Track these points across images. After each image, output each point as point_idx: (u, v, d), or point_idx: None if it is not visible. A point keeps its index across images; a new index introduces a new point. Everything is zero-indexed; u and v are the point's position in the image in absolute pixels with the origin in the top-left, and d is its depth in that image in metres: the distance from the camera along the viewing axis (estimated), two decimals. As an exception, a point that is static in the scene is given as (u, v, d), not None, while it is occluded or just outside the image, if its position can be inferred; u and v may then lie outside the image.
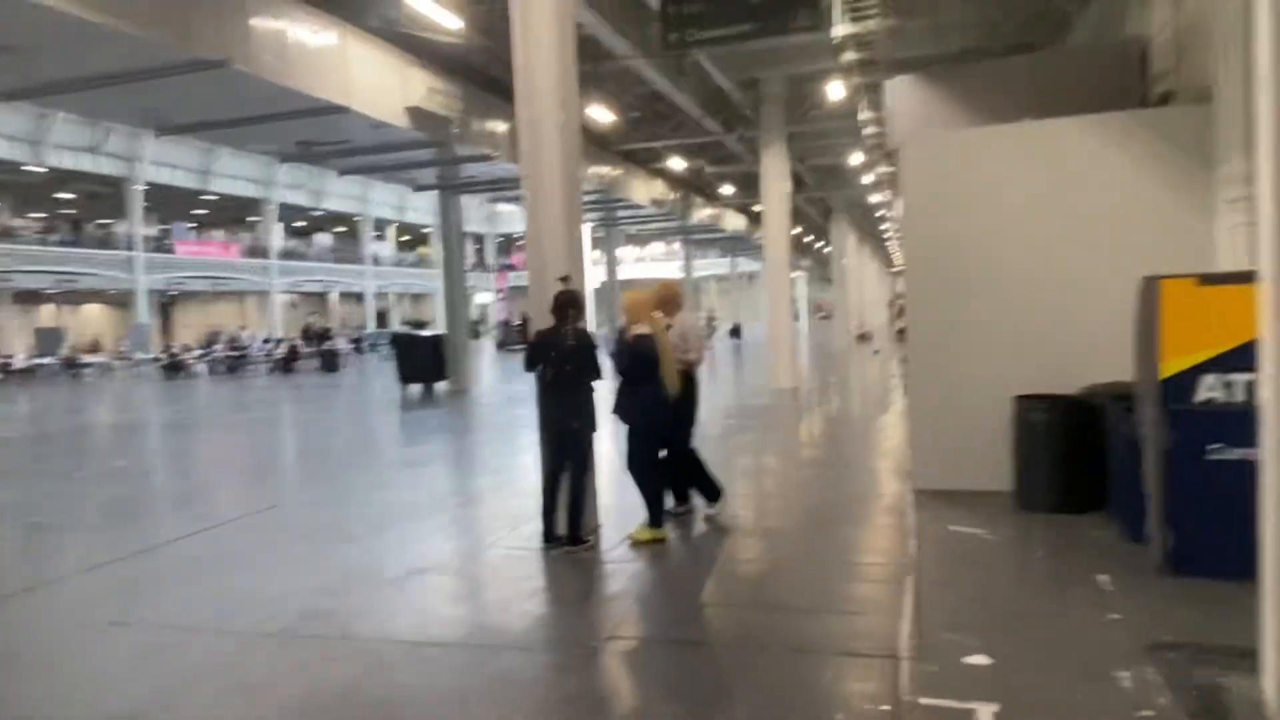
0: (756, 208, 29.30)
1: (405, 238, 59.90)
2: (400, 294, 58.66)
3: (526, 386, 6.23)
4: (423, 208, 51.35)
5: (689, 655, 4.14)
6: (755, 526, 6.36)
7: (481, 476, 9.03)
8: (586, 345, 5.63)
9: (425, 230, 55.39)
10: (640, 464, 5.83)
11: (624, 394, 5.75)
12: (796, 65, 14.52)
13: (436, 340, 20.11)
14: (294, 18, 10.05)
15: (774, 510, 6.97)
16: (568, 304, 5.65)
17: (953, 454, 6.50)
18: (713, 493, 6.48)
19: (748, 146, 19.04)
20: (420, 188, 21.57)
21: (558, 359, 5.60)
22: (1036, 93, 7.66)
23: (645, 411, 5.71)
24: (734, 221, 32.69)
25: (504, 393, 18.76)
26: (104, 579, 5.65)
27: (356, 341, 40.72)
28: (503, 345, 38.47)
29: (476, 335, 43.77)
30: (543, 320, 5.75)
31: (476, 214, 55.59)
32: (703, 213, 29.05)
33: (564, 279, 5.64)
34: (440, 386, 19.42)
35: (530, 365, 5.68)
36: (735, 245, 44.95)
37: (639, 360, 5.64)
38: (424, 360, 19.60)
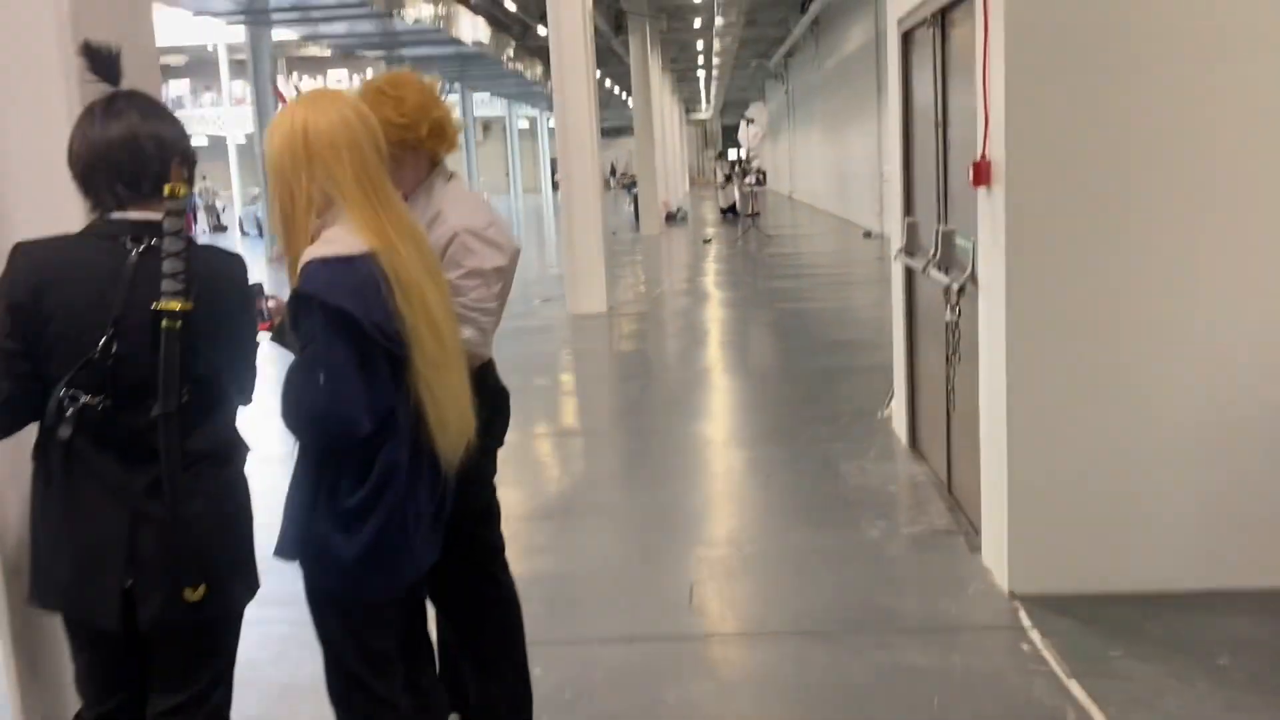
0: (509, 3, 24.38)
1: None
2: None
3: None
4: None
5: None
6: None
7: None
8: (230, 301, 2.25)
9: None
10: (351, 687, 2.41)
11: (304, 483, 2.26)
12: None
13: None
14: None
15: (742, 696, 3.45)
16: (145, 152, 2.14)
17: (1106, 527, 3.90)
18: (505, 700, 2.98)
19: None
20: None
21: (116, 368, 2.08)
22: None
23: (376, 541, 2.24)
24: (471, 28, 24.38)
25: None
26: None
27: None
28: None
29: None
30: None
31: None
32: (420, 9, 20.46)
33: (90, 53, 2.18)
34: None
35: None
36: (470, 70, 33.62)
37: (342, 370, 2.14)
38: None
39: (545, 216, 33.48)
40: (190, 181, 2.25)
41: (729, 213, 26.78)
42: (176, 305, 2.07)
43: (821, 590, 4.10)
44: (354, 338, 2.15)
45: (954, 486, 4.96)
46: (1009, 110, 3.73)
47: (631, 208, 27.48)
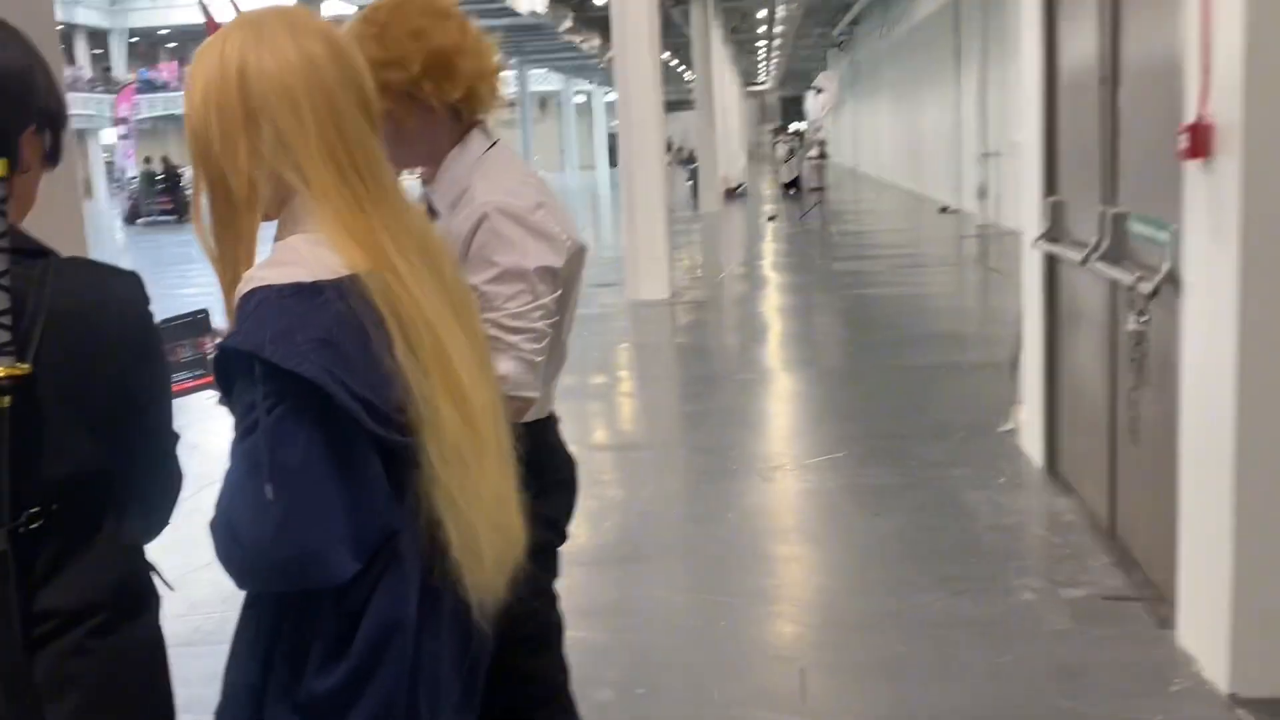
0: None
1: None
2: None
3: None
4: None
5: None
6: None
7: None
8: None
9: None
10: None
11: (250, 650, 1.38)
12: None
13: None
14: None
15: None
16: None
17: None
18: None
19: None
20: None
21: None
22: None
23: None
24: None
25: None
26: None
27: None
28: (137, 218, 30.47)
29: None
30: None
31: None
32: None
33: None
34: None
35: None
36: (527, 43, 32.58)
37: (304, 476, 1.26)
38: None
39: (601, 194, 32.55)
40: (54, 155, 1.37)
41: (791, 188, 25.69)
42: (1, 370, 1.20)
43: (975, 681, 3.16)
44: (325, 423, 1.27)
45: (1119, 531, 4.00)
46: (1250, 56, 2.75)
47: (689, 184, 26.53)
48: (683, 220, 20.41)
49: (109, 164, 46.15)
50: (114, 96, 44.24)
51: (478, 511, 1.38)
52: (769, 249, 16.01)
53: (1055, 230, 4.58)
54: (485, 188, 1.85)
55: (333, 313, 1.28)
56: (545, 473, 1.93)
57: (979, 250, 14.16)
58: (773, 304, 11.15)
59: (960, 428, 5.68)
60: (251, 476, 1.25)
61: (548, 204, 1.89)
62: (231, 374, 1.29)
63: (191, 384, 1.60)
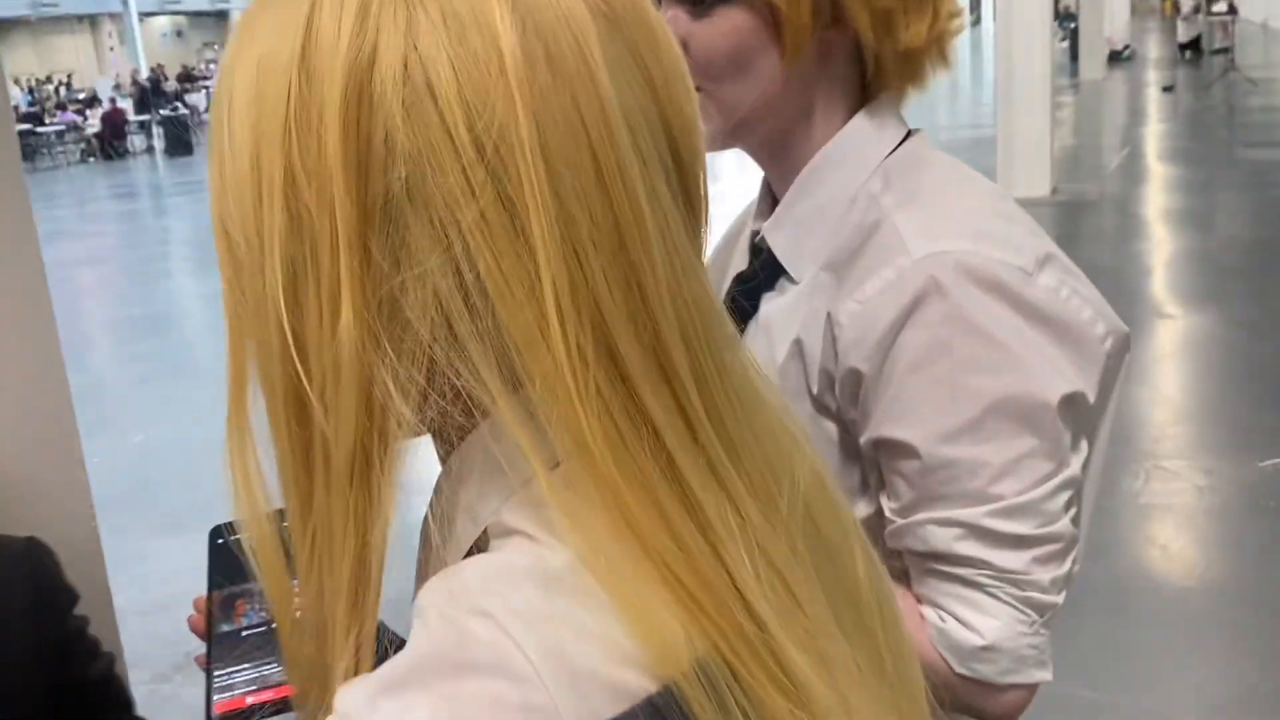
0: None
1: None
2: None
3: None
4: None
5: None
6: None
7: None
8: None
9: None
10: None
11: None
12: None
13: None
14: None
15: None
16: None
17: None
18: None
19: None
20: None
21: None
22: None
23: None
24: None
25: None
26: None
27: None
28: None
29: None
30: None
31: None
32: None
33: None
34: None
35: None
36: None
37: None
38: None
39: (960, 56, 29.99)
40: None
41: (1189, 50, 22.39)
42: None
43: None
44: None
45: None
46: None
47: (1065, 45, 23.82)
48: (1059, 90, 18.25)
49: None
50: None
51: None
52: (1163, 130, 13.83)
53: None
54: (917, 224, 0.93)
55: None
56: None
57: None
58: (1170, 206, 9.43)
59: None
60: None
61: (1054, 256, 0.94)
62: None
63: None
